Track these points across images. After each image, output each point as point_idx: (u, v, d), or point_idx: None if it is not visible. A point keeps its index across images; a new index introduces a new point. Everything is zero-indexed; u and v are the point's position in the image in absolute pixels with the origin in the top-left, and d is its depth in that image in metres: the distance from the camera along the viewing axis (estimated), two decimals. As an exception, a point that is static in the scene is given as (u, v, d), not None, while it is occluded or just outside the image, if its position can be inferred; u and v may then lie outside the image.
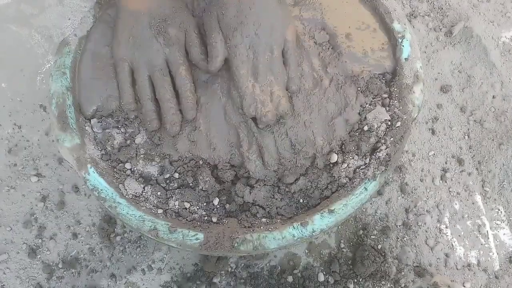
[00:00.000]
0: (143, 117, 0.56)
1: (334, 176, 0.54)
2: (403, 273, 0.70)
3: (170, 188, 0.55)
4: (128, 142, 0.56)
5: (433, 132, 0.79)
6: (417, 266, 0.71)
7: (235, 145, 0.56)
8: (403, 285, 0.70)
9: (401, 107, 0.56)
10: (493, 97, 0.81)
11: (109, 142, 0.55)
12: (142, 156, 0.56)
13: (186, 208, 0.53)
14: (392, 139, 0.54)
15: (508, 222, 0.75)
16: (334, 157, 0.55)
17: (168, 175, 0.56)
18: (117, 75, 0.57)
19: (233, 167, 0.56)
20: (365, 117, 0.56)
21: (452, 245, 0.73)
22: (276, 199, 0.54)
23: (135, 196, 0.53)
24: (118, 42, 0.56)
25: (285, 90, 0.55)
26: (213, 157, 0.56)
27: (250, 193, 0.54)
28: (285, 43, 0.55)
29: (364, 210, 0.73)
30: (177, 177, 0.56)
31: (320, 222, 0.51)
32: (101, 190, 0.52)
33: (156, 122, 0.55)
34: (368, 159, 0.54)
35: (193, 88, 0.56)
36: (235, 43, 0.53)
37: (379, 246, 0.71)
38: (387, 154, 0.54)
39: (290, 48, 0.56)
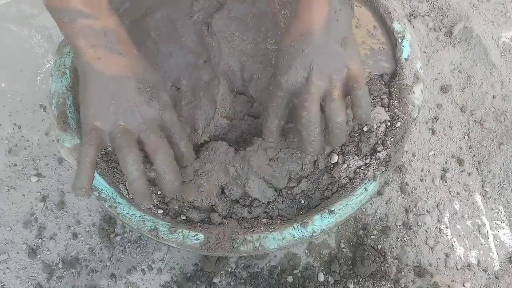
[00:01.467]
0: (163, 188, 0.48)
1: (335, 177, 0.54)
2: (403, 273, 0.70)
3: None
4: None
5: (433, 132, 0.79)
6: (417, 266, 0.71)
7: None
8: (403, 285, 0.70)
9: (401, 108, 0.56)
10: (493, 97, 0.81)
11: None
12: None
13: (185, 216, 0.53)
14: (392, 139, 0.54)
15: (508, 222, 0.75)
16: (335, 158, 0.55)
17: None
18: (123, 158, 0.46)
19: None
20: None
21: (452, 245, 0.73)
22: (278, 201, 0.54)
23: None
24: (93, 111, 0.47)
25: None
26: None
27: (250, 212, 0.54)
28: (353, 81, 0.49)
29: (364, 210, 0.73)
30: None
31: (320, 222, 0.51)
32: (102, 190, 0.52)
33: (175, 187, 0.48)
34: (368, 160, 0.54)
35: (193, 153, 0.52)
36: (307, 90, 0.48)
37: (379, 246, 0.71)
38: (387, 155, 0.54)
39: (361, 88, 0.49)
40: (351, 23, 0.52)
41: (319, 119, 0.47)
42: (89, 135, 0.46)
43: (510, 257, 0.73)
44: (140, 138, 0.47)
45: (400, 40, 0.59)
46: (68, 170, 0.73)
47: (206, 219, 0.54)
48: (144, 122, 0.47)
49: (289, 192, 0.55)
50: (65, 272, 0.69)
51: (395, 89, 0.58)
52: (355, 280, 0.69)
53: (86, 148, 0.45)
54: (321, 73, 0.47)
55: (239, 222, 0.53)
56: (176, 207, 0.53)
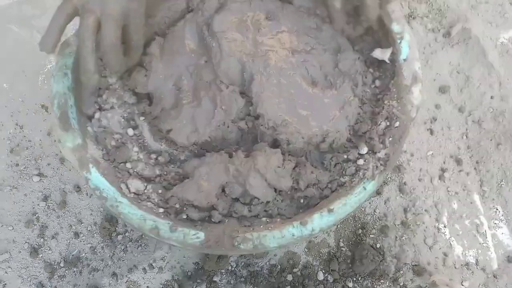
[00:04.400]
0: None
1: (349, 170, 0.55)
2: (401, 272, 0.71)
3: (171, 188, 0.56)
4: (124, 139, 0.57)
5: (431, 132, 0.79)
6: (415, 265, 0.71)
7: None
8: (401, 284, 0.70)
9: (399, 108, 0.56)
10: (491, 97, 0.82)
11: (106, 140, 0.56)
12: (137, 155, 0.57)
13: (186, 214, 0.54)
14: (390, 139, 0.55)
15: (506, 222, 0.75)
16: (365, 149, 0.56)
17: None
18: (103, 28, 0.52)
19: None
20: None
21: (451, 244, 0.73)
22: (277, 200, 0.55)
23: (137, 194, 0.54)
24: None
25: None
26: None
27: (250, 211, 0.54)
28: None
29: (363, 209, 0.74)
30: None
31: (319, 221, 0.51)
32: (103, 189, 0.52)
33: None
34: (366, 157, 0.55)
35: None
36: None
37: (378, 245, 0.72)
38: (386, 154, 0.54)
39: None
40: None
41: None
42: (65, 2, 0.52)
43: (508, 256, 0.74)
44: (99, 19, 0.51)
45: (399, 41, 0.60)
46: (70, 170, 0.74)
47: (206, 218, 0.54)
48: (107, 3, 0.50)
49: (289, 192, 0.56)
50: (66, 271, 0.69)
51: (394, 89, 0.58)
52: (354, 279, 0.69)
53: (59, 12, 0.52)
54: None
55: (239, 221, 0.53)
56: (177, 205, 0.54)
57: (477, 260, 0.73)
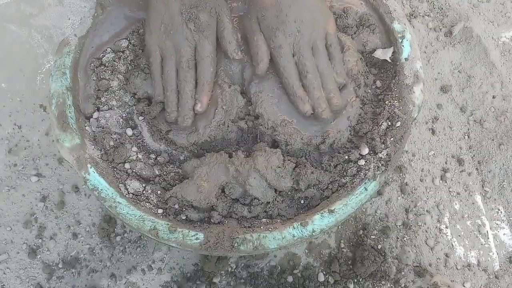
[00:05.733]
0: (166, 108, 0.56)
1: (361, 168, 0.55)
2: (403, 273, 0.70)
3: (170, 189, 0.55)
4: (122, 139, 0.57)
5: (433, 132, 0.79)
6: (417, 266, 0.71)
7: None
8: (403, 285, 0.70)
9: (401, 107, 0.56)
10: (493, 97, 0.81)
11: (105, 141, 0.55)
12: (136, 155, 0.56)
13: (185, 215, 0.53)
14: (392, 139, 0.54)
15: (508, 222, 0.75)
16: (365, 150, 0.55)
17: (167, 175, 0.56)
18: (150, 65, 0.57)
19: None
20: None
21: (452, 245, 0.73)
22: (277, 201, 0.54)
23: (136, 195, 0.53)
24: (149, 30, 0.56)
25: (335, 85, 0.55)
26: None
27: (250, 211, 0.54)
28: (327, 36, 0.56)
29: (364, 210, 0.73)
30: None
31: (320, 222, 0.51)
32: (101, 190, 0.52)
33: (175, 114, 0.56)
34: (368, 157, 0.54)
35: (212, 80, 0.56)
36: (279, 43, 0.53)
37: (379, 246, 0.71)
38: (387, 154, 0.54)
39: (333, 41, 0.56)
40: None
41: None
42: (152, 56, 0.56)
43: (510, 257, 0.73)
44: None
45: (400, 40, 0.60)
46: (68, 170, 0.73)
47: (206, 219, 0.54)
48: (179, 47, 0.55)
49: (289, 193, 0.55)
50: (65, 272, 0.69)
51: (395, 89, 0.58)
52: (355, 280, 0.69)
53: (154, 67, 0.56)
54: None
55: (239, 222, 0.53)
56: (176, 206, 0.53)
57: (478, 261, 0.72)
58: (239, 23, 0.59)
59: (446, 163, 0.77)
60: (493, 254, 0.73)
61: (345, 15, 0.62)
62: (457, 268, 0.72)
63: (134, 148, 0.57)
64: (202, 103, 0.55)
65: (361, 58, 0.60)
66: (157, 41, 0.56)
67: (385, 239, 0.72)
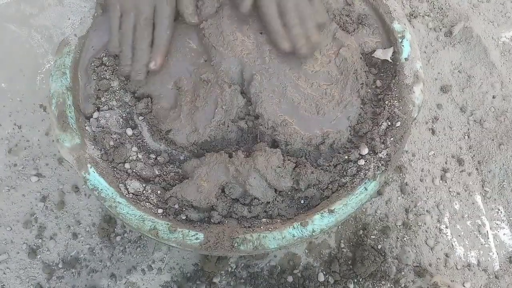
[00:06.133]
0: (119, 59, 0.58)
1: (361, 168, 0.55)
2: (403, 273, 0.70)
3: (170, 189, 0.55)
4: (122, 139, 0.57)
5: (433, 132, 0.79)
6: (417, 266, 0.71)
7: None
8: (403, 285, 0.70)
9: (401, 107, 0.56)
10: (493, 97, 0.81)
11: (105, 140, 0.55)
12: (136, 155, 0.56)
13: (185, 215, 0.53)
14: (392, 139, 0.54)
15: (508, 222, 0.75)
16: (365, 150, 0.55)
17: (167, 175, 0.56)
18: (109, 19, 0.59)
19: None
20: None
21: (452, 245, 0.73)
22: (277, 201, 0.54)
23: (136, 195, 0.53)
24: None
25: (314, 23, 0.57)
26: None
27: (250, 211, 0.54)
28: None
29: (364, 210, 0.73)
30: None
31: (320, 222, 0.51)
32: (101, 190, 0.52)
33: (129, 68, 0.57)
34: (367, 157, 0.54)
35: (168, 43, 0.58)
36: None
37: (379, 246, 0.71)
38: (387, 154, 0.54)
39: None
40: None
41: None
42: (111, 10, 0.58)
43: (510, 257, 0.73)
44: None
45: (400, 40, 0.60)
46: (68, 170, 0.73)
47: (206, 219, 0.54)
48: (138, 4, 0.56)
49: (289, 193, 0.55)
50: (65, 272, 0.69)
51: (395, 89, 0.58)
52: (355, 280, 0.69)
53: (112, 20, 0.58)
54: None
55: (239, 222, 0.53)
56: (176, 206, 0.53)
57: (478, 261, 0.72)
58: None
59: (446, 163, 0.77)
60: (493, 254, 0.73)
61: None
62: (457, 268, 0.72)
63: (134, 148, 0.57)
64: (156, 62, 0.57)
65: (361, 57, 0.60)
66: None
67: (385, 239, 0.72)
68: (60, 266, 0.69)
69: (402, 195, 0.75)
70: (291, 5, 0.56)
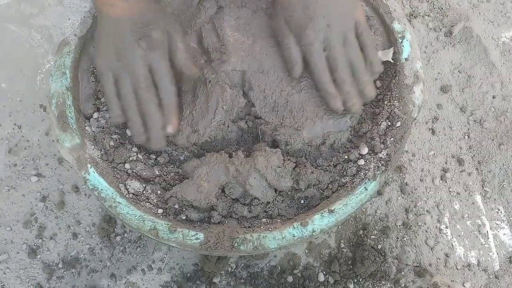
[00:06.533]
0: (130, 131, 0.55)
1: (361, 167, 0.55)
2: (403, 273, 0.70)
3: (170, 189, 0.55)
4: (122, 140, 0.57)
5: (433, 132, 0.79)
6: (417, 266, 0.71)
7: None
8: (403, 285, 0.70)
9: (401, 107, 0.56)
10: (493, 97, 0.81)
11: (105, 141, 0.55)
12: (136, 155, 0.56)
13: (185, 215, 0.53)
14: (392, 139, 0.54)
15: (508, 222, 0.75)
16: (365, 150, 0.55)
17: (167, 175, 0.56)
18: (103, 88, 0.54)
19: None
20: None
21: (452, 245, 0.73)
22: (277, 201, 0.54)
23: (136, 195, 0.53)
24: (99, 52, 0.54)
25: (368, 75, 0.54)
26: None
27: (250, 211, 0.54)
28: (357, 25, 0.54)
29: (364, 210, 0.73)
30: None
31: (320, 222, 0.51)
32: (101, 190, 0.52)
33: (145, 136, 0.53)
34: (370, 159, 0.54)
35: (177, 98, 0.54)
36: (309, 41, 0.53)
37: (379, 246, 0.71)
38: (387, 154, 0.54)
39: (363, 30, 0.55)
40: None
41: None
42: (103, 78, 0.53)
43: (510, 257, 0.73)
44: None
45: (400, 40, 0.60)
46: (68, 170, 0.73)
47: (206, 219, 0.54)
48: (132, 68, 0.52)
49: (289, 193, 0.55)
50: (65, 272, 0.69)
51: (395, 89, 0.58)
52: (355, 280, 0.69)
53: (107, 87, 0.53)
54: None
55: (239, 222, 0.53)
56: (176, 206, 0.53)
57: (478, 261, 0.72)
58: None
59: (446, 163, 0.77)
60: (493, 254, 0.73)
61: None
62: (457, 268, 0.72)
63: (134, 149, 0.57)
64: (173, 124, 0.53)
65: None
66: (108, 62, 0.52)
67: (385, 239, 0.72)
68: (60, 266, 0.69)
69: (402, 195, 0.75)
70: (340, 59, 0.53)
